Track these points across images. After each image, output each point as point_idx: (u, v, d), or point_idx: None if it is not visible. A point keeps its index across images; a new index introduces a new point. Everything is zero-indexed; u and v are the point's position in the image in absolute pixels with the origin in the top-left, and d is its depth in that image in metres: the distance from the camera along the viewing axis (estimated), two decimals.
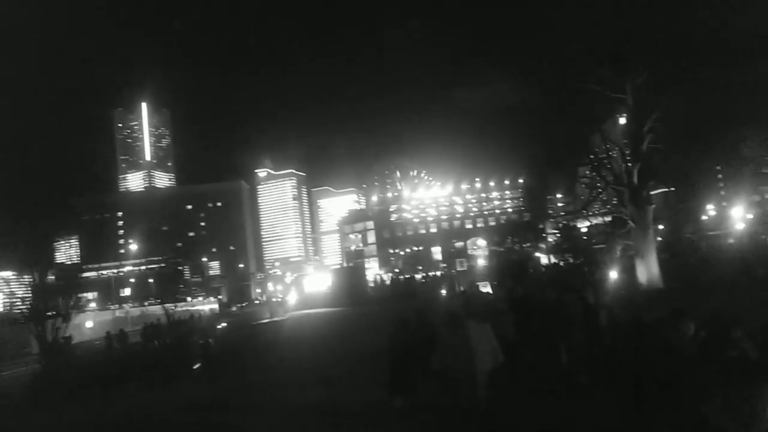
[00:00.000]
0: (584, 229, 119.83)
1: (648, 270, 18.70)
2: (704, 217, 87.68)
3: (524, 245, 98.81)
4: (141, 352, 23.04)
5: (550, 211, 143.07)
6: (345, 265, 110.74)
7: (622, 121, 21.98)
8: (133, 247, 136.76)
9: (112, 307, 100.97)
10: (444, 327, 9.57)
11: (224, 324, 28.15)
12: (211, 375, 16.50)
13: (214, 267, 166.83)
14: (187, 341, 20.99)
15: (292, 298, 53.55)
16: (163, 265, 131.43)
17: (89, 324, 48.40)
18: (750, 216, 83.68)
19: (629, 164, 19.34)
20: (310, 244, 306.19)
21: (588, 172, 22.90)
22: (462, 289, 51.57)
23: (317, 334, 25.30)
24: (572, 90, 20.52)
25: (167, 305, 46.73)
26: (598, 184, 21.53)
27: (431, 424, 9.21)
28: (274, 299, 76.80)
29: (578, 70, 20.57)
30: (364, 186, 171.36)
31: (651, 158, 19.49)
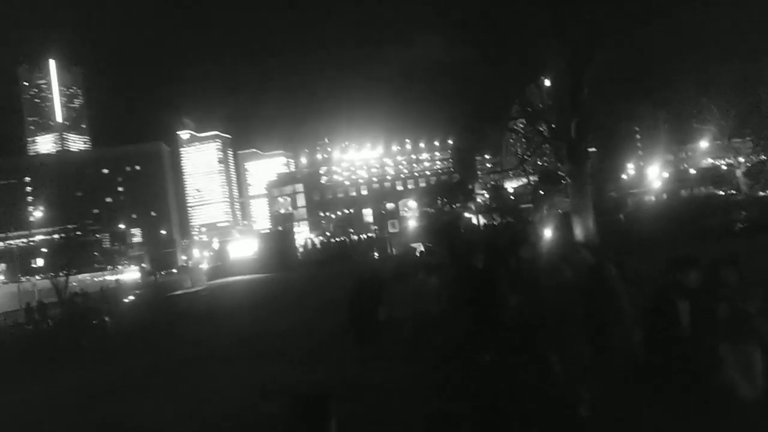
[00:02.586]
0: (511, 189, 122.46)
1: (585, 227, 18.04)
2: (623, 176, 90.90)
3: (454, 206, 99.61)
4: (27, 333, 20.31)
5: (479, 171, 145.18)
6: (274, 229, 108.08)
7: (547, 82, 21.13)
8: (44, 214, 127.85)
9: (23, 279, 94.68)
10: (397, 280, 10.97)
11: (132, 297, 25.42)
12: (102, 357, 14.44)
13: (136, 234, 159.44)
14: (81, 319, 18.54)
15: (216, 265, 51.10)
16: (78, 233, 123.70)
17: None
18: (666, 174, 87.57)
19: (566, 118, 18.40)
20: (237, 208, 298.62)
21: (521, 127, 21.92)
22: (394, 251, 50.97)
23: (239, 303, 23.54)
24: (507, 40, 19.26)
25: (60, 278, 43.10)
26: (535, 139, 20.60)
27: (396, 367, 9.62)
28: (196, 266, 73.81)
29: (514, 19, 19.31)
30: (299, 149, 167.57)
31: (588, 112, 18.63)
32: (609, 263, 8.14)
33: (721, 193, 71.86)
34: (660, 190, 73.50)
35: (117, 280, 49.59)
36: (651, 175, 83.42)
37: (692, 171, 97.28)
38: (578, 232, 18.33)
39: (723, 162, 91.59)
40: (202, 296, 22.28)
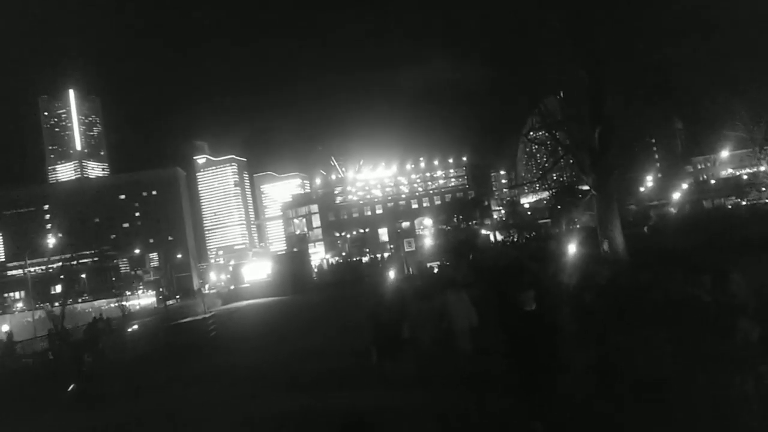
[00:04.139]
0: (527, 205, 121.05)
1: (613, 241, 17.05)
2: (642, 189, 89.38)
3: (470, 223, 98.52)
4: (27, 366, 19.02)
5: (494, 188, 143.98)
6: (288, 250, 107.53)
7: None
8: (62, 241, 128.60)
9: (42, 306, 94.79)
10: (423, 296, 10.61)
11: (136, 326, 24.10)
12: (84, 402, 12.96)
13: (153, 259, 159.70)
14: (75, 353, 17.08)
15: (231, 289, 50.43)
16: (95, 259, 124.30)
17: (5, 327, 43.81)
18: (685, 186, 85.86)
19: (589, 127, 17.53)
20: (254, 230, 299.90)
21: (542, 137, 21.03)
22: (411, 270, 49.85)
23: (248, 330, 22.48)
24: (526, 51, 18.54)
25: (53, 307, 41.82)
26: (556, 150, 19.72)
27: (421, 385, 9.45)
28: (212, 290, 73.25)
29: (534, 31, 18.61)
30: (314, 170, 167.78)
31: (611, 121, 17.74)
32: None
33: (744, 203, 69.99)
34: (681, 201, 71.89)
35: (122, 307, 48.37)
36: (670, 186, 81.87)
37: (712, 182, 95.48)
38: (605, 246, 17.38)
39: (745, 171, 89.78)
40: (209, 324, 21.04)
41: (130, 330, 22.37)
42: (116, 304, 55.19)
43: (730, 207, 56.75)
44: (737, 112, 27.90)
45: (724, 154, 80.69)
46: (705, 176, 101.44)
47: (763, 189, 70.97)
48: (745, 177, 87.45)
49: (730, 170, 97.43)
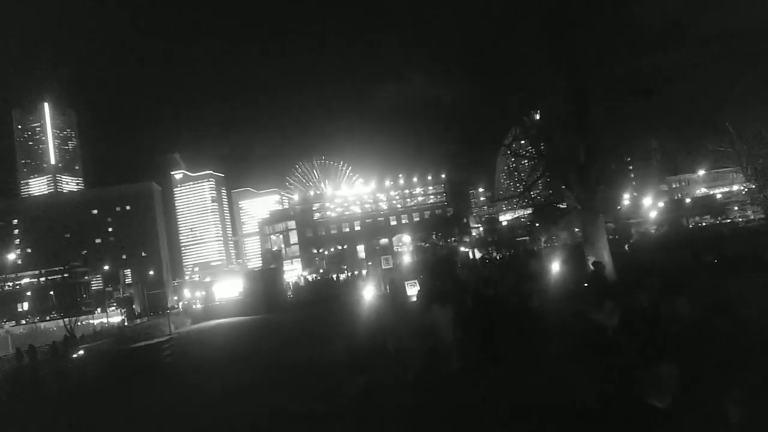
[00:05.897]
0: (504, 222, 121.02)
1: (599, 258, 16.18)
2: (618, 207, 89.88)
3: (449, 240, 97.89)
4: None
5: (473, 206, 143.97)
6: (263, 267, 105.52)
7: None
8: (31, 256, 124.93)
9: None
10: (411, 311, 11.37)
11: (82, 351, 22.02)
12: None
13: (128, 275, 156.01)
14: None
15: (202, 307, 48.73)
16: (65, 275, 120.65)
17: None
18: (660, 204, 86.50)
19: (574, 140, 16.74)
20: (231, 247, 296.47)
21: (520, 150, 20.19)
22: (387, 287, 48.71)
23: (215, 356, 20.87)
24: (508, 64, 17.77)
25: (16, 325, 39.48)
26: (539, 164, 18.90)
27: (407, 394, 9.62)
28: (182, 308, 71.17)
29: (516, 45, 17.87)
30: (289, 185, 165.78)
31: (599, 134, 16.98)
32: None
33: (718, 221, 70.47)
34: (659, 219, 72.20)
35: (69, 328, 45.23)
36: (646, 204, 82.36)
37: (687, 200, 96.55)
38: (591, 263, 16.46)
39: (719, 191, 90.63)
40: (164, 349, 19.29)
41: (74, 356, 20.52)
42: (66, 323, 51.61)
43: (704, 225, 56.98)
44: (721, 125, 27.44)
45: (701, 172, 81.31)
46: (680, 195, 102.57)
47: (736, 208, 71.60)
48: (718, 196, 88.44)
49: (703, 189, 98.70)
